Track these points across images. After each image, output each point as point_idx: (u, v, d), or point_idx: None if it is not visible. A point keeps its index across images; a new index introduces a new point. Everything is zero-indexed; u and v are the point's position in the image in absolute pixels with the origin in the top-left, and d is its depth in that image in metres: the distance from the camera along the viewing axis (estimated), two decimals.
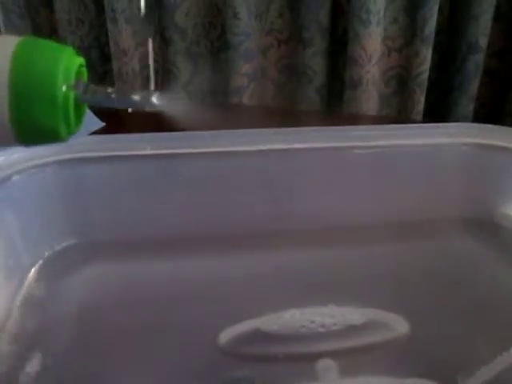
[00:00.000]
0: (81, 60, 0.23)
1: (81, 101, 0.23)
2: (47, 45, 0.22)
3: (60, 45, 0.23)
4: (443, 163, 0.43)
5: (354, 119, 0.72)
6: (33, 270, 0.37)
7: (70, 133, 0.23)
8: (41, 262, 0.38)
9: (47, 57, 0.21)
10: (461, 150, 0.43)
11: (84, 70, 0.24)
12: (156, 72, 0.79)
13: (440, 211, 0.42)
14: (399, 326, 0.32)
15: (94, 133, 0.57)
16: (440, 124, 0.44)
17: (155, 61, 0.79)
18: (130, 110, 0.23)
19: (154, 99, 0.23)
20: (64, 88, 0.21)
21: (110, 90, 0.23)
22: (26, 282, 0.36)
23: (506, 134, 0.42)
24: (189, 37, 0.76)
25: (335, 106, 0.79)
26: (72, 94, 0.22)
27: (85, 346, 0.33)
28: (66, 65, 0.22)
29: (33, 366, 0.31)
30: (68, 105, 0.22)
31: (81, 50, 0.79)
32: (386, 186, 0.42)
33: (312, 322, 0.32)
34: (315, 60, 0.75)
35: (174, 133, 0.40)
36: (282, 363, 0.31)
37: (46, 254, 0.38)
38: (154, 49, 0.78)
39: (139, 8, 0.74)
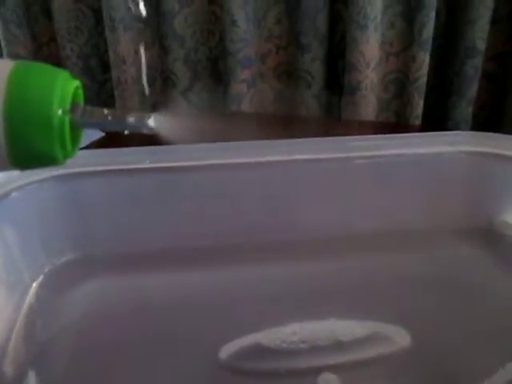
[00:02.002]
0: (76, 83, 0.23)
1: (77, 124, 0.23)
2: (42, 69, 0.22)
3: (55, 68, 0.22)
4: (443, 172, 0.43)
5: (354, 126, 0.72)
6: (34, 285, 0.37)
7: (66, 156, 0.23)
8: (41, 277, 0.38)
9: (42, 81, 0.21)
10: (460, 158, 0.43)
11: (80, 92, 0.24)
12: (155, 79, 0.79)
13: (440, 220, 0.42)
14: (401, 338, 0.32)
15: (94, 143, 0.57)
16: (439, 133, 0.44)
17: (154, 68, 0.79)
18: (126, 132, 0.23)
19: (151, 122, 0.23)
20: (60, 112, 0.21)
21: (106, 112, 0.23)
22: (27, 298, 0.36)
23: (505, 141, 0.42)
24: (187, 44, 0.77)
25: (334, 111, 0.79)
26: (68, 118, 0.22)
27: (85, 360, 0.33)
28: (62, 89, 0.22)
29: (35, 379, 0.31)
30: (64, 129, 0.22)
31: (80, 59, 0.79)
32: (385, 196, 0.42)
33: (312, 335, 0.32)
34: (314, 66, 0.75)
35: (172, 146, 0.39)
36: (284, 378, 0.31)
37: (47, 269, 0.38)
38: (152, 56, 0.78)
39: (138, 9, 0.74)
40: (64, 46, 0.78)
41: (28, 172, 0.37)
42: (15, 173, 0.36)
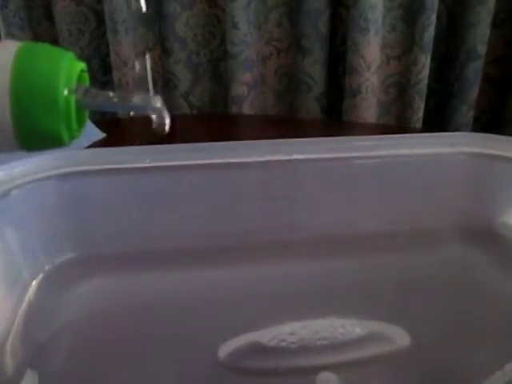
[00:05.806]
0: (82, 65, 0.23)
1: (82, 105, 0.23)
2: (48, 49, 0.22)
3: (61, 49, 0.23)
4: (443, 173, 0.43)
5: (354, 128, 0.72)
6: (33, 283, 0.37)
7: (72, 137, 0.23)
8: (41, 275, 0.38)
9: (48, 61, 0.22)
10: (461, 159, 0.43)
11: (85, 74, 0.24)
12: (156, 82, 0.80)
13: (440, 221, 0.42)
14: (400, 338, 0.32)
15: (95, 143, 0.57)
16: (440, 134, 0.44)
17: (155, 70, 0.79)
18: (131, 113, 0.24)
19: (155, 103, 0.23)
20: (65, 92, 0.22)
21: (111, 94, 0.23)
22: (27, 296, 0.36)
23: (505, 143, 0.42)
24: (189, 47, 0.77)
25: (335, 114, 0.79)
26: (73, 98, 0.22)
27: (85, 359, 0.33)
28: (68, 69, 0.22)
29: (34, 378, 0.31)
30: (69, 109, 0.22)
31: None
32: (385, 196, 0.42)
33: (312, 334, 0.32)
34: (315, 68, 0.75)
35: (173, 145, 0.40)
36: (282, 377, 0.31)
37: (47, 267, 0.38)
38: (154, 59, 0.78)
39: (140, 7, 0.74)
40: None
41: (29, 170, 0.37)
42: (16, 170, 0.36)
